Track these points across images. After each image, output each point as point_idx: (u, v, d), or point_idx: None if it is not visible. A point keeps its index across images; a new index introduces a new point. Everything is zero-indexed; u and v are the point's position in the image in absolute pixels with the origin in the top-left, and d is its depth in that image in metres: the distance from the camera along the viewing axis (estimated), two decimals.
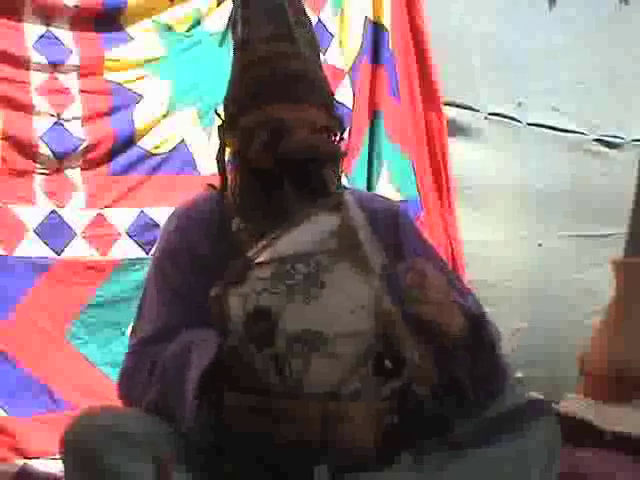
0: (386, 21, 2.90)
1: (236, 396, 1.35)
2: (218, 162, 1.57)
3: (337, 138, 1.55)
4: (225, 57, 1.73)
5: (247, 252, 1.38)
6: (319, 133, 1.50)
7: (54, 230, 2.29)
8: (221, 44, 1.64)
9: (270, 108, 1.49)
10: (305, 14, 1.62)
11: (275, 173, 1.46)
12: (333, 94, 1.63)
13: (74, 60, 2.34)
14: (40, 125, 2.28)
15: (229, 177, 1.56)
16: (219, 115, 1.59)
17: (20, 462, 2.15)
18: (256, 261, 1.36)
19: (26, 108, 2.27)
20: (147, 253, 2.38)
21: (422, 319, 1.35)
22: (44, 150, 2.28)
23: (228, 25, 1.60)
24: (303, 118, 1.48)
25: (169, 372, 1.42)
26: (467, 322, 1.41)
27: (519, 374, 3.20)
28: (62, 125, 2.32)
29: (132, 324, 1.62)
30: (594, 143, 3.69)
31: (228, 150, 1.59)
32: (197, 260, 1.53)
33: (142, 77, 2.44)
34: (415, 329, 1.34)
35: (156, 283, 1.58)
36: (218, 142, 1.59)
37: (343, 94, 2.78)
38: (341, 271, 1.35)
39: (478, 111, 3.27)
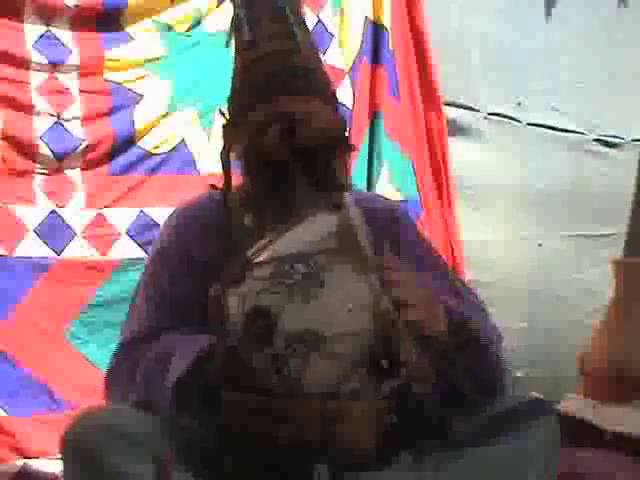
0: (386, 21, 2.90)
1: (235, 396, 1.35)
2: (222, 161, 1.57)
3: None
4: (225, 57, 1.73)
5: (247, 251, 1.39)
6: (333, 126, 1.52)
7: (54, 230, 2.29)
8: (227, 45, 1.64)
9: (277, 101, 1.50)
10: (303, 17, 1.64)
11: (288, 164, 1.46)
12: (336, 93, 1.65)
13: (74, 60, 2.33)
14: (40, 125, 2.28)
15: (234, 176, 1.56)
16: (223, 114, 1.59)
17: (20, 462, 2.15)
18: (255, 261, 1.36)
19: (26, 108, 2.27)
20: (147, 253, 2.38)
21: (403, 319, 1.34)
22: (44, 150, 2.28)
23: (232, 27, 1.61)
24: (312, 110, 1.50)
25: (150, 376, 1.43)
26: (451, 323, 1.40)
27: (519, 374, 3.20)
28: (62, 125, 2.31)
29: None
30: (594, 143, 3.69)
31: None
32: (191, 263, 1.54)
33: (142, 77, 2.44)
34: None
35: (147, 284, 1.59)
36: (220, 142, 1.58)
37: (343, 94, 2.78)
38: (340, 271, 1.35)
39: (478, 111, 3.27)
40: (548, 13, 3.51)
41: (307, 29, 1.62)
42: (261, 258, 1.37)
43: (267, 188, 1.50)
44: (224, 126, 1.58)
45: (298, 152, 1.46)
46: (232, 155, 1.55)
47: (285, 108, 1.49)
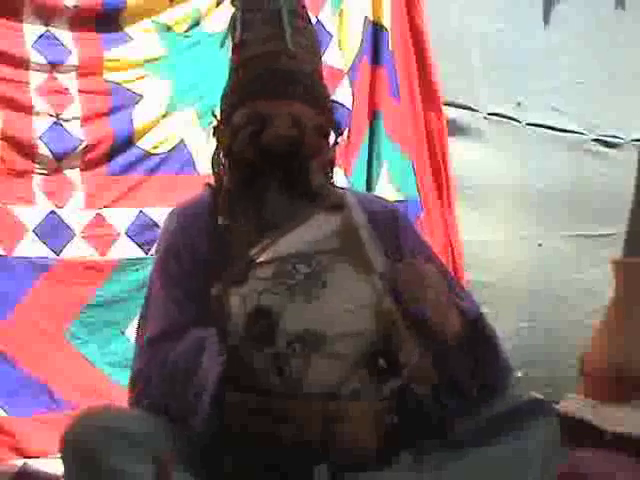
0: (386, 21, 2.90)
1: (236, 396, 1.35)
2: (212, 161, 1.58)
3: (332, 139, 1.57)
4: (224, 58, 1.73)
5: (237, 252, 1.39)
6: (307, 130, 1.51)
7: (53, 230, 2.29)
8: (222, 45, 1.64)
9: (257, 103, 1.50)
10: (307, 22, 1.63)
11: (259, 167, 1.48)
12: (329, 95, 1.64)
13: (73, 60, 2.34)
14: (39, 125, 2.28)
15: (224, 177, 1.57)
16: (215, 116, 1.60)
17: (20, 462, 2.15)
18: (257, 260, 1.36)
19: (25, 108, 2.27)
20: (146, 253, 2.38)
21: (418, 318, 1.35)
22: (43, 150, 2.28)
23: (229, 28, 1.61)
24: (288, 113, 1.50)
25: (180, 371, 1.42)
26: (465, 321, 1.41)
27: (519, 374, 3.20)
28: (61, 125, 2.32)
29: (137, 326, 1.61)
30: (594, 143, 3.69)
31: None
32: (199, 258, 1.54)
33: (142, 77, 2.44)
34: (415, 328, 1.35)
35: (161, 282, 1.57)
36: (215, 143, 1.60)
37: (342, 94, 2.78)
38: (342, 271, 1.36)
39: (478, 111, 3.27)
40: (548, 13, 3.51)
41: (309, 36, 1.61)
42: (263, 258, 1.36)
43: (240, 189, 1.51)
44: (214, 127, 1.60)
45: (266, 154, 1.47)
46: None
47: (259, 110, 1.50)
